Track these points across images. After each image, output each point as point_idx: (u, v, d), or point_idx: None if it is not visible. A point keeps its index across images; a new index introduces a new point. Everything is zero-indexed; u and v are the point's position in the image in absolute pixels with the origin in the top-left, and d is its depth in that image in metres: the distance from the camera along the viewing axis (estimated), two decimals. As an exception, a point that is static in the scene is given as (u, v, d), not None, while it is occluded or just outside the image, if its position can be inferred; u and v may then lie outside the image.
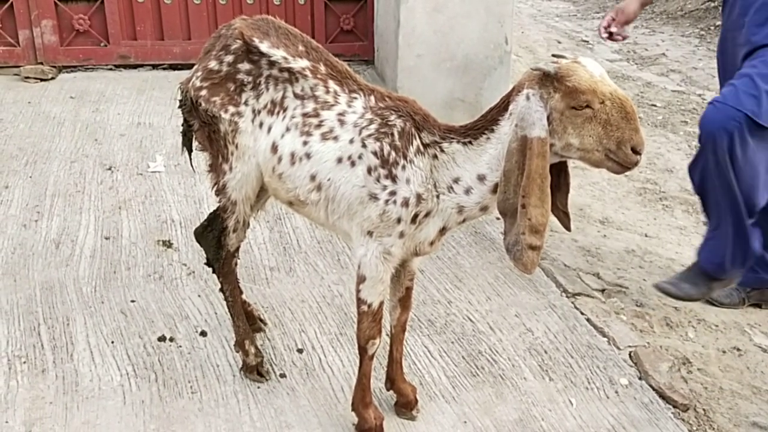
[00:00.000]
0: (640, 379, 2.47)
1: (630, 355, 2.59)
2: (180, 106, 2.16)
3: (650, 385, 2.43)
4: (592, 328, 2.71)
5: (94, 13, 4.92)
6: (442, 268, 3.06)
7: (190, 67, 5.07)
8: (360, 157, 1.85)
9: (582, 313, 2.80)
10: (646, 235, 3.71)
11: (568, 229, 1.85)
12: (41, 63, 4.89)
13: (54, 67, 4.92)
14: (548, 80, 1.62)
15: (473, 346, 2.58)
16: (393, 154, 1.81)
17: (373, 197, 1.83)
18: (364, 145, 1.84)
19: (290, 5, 5.14)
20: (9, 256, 2.96)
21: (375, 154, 1.82)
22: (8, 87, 4.70)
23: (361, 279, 1.94)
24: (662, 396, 2.39)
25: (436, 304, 2.80)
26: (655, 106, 5.91)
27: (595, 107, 1.59)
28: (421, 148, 1.80)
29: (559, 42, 8.20)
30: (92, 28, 4.95)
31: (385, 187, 1.82)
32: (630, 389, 2.41)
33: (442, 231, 1.90)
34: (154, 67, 5.15)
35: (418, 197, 1.81)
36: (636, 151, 1.62)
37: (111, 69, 5.08)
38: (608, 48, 8.03)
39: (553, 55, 1.71)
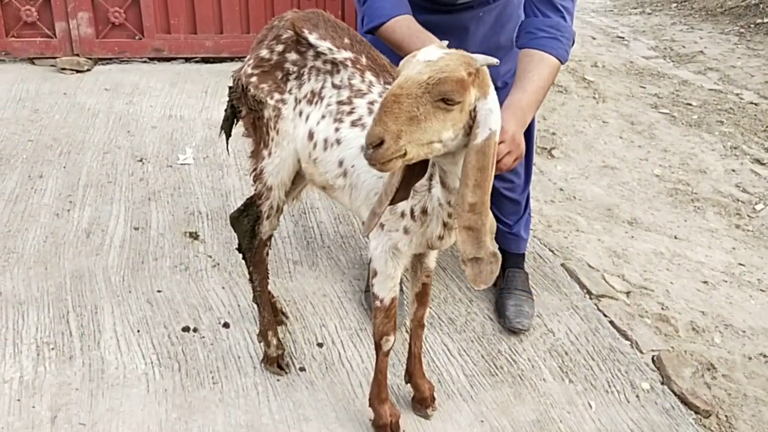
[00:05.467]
0: (662, 383, 2.44)
1: (653, 359, 2.56)
2: (230, 93, 2.25)
3: (672, 390, 2.40)
4: (615, 331, 2.68)
5: (130, 7, 4.99)
6: (465, 266, 3.05)
7: (221, 60, 5.22)
8: None
9: (605, 315, 2.78)
10: (675, 237, 3.65)
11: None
12: (77, 55, 4.98)
13: (90, 59, 5.01)
14: None
15: (493, 346, 2.57)
16: None
17: None
18: None
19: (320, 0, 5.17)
20: (41, 244, 3.04)
21: None
22: (45, 78, 4.80)
23: (373, 273, 1.97)
24: (684, 401, 2.36)
25: (457, 303, 2.80)
26: (690, 105, 5.79)
27: None
28: None
29: (594, 38, 8.07)
30: (127, 21, 5.02)
31: None
32: (651, 394, 2.38)
33: (446, 225, 1.88)
34: (187, 60, 5.21)
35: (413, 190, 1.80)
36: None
37: (145, 62, 5.15)
38: (644, 45, 7.88)
39: None
